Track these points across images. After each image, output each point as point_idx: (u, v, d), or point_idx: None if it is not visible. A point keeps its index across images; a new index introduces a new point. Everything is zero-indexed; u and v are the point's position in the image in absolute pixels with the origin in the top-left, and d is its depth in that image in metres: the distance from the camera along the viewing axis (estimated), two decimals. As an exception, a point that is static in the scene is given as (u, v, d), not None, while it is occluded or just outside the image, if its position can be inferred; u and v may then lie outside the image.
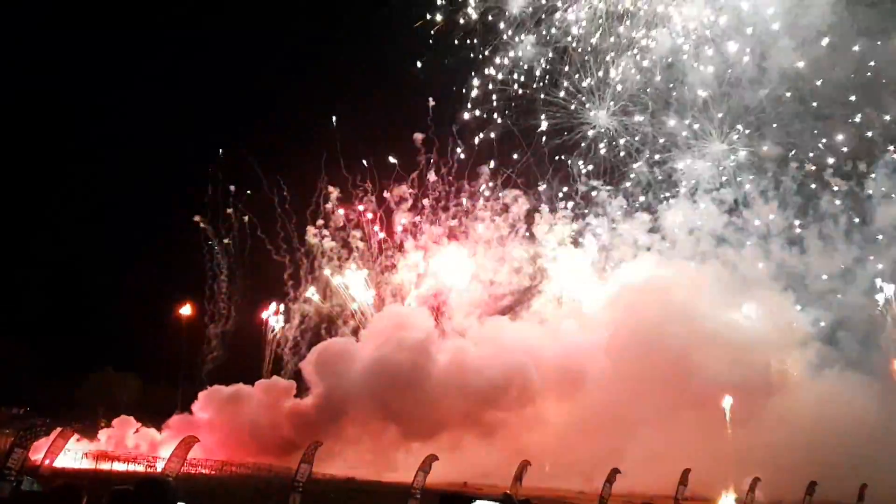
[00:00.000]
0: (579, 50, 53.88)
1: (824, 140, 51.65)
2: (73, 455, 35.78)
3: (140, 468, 36.58)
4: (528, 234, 55.88)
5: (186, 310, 55.40)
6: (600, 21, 53.24)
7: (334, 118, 54.76)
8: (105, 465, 36.07)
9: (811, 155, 52.38)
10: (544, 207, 55.81)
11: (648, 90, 54.09)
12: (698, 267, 50.86)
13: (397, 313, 51.65)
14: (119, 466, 36.80)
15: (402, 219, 56.49)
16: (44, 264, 56.78)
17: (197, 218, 56.77)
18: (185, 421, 45.64)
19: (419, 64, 54.25)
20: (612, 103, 54.43)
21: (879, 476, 39.10)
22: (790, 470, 40.22)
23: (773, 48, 51.34)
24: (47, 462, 30.20)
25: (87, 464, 36.29)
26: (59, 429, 31.71)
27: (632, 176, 55.29)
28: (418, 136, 55.64)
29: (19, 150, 55.15)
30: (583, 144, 55.49)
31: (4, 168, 54.20)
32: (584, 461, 42.02)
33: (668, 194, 54.78)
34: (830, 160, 51.81)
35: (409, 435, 43.59)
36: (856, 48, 49.12)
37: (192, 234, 56.97)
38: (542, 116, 55.09)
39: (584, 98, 54.81)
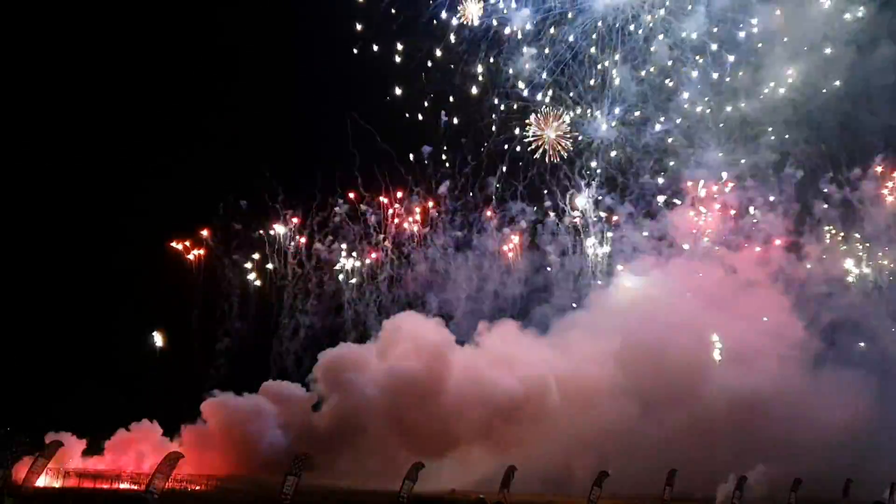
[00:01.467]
0: (579, 61, 54.88)
1: (821, 147, 53.20)
2: (55, 474, 35.28)
3: (124, 486, 36.14)
4: (534, 244, 57.01)
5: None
6: (601, 32, 54.23)
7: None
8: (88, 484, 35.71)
9: (804, 162, 53.86)
10: (549, 216, 56.92)
11: (647, 100, 55.18)
12: (701, 272, 51.84)
13: (410, 321, 50.26)
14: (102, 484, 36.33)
15: (411, 230, 57.29)
16: (24, 282, 55.71)
17: (206, 233, 56.61)
18: (197, 432, 44.38)
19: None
20: (611, 113, 55.47)
21: (864, 472, 39.66)
22: (777, 467, 40.72)
23: (768, 58, 52.81)
24: (29, 481, 29.92)
25: (70, 482, 35.83)
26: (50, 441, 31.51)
27: (633, 184, 56.40)
28: (426, 149, 56.20)
29: (10, 162, 54.00)
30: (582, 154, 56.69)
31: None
32: (579, 466, 42.17)
33: (671, 201, 55.97)
34: (825, 167, 53.59)
35: (420, 449, 41.18)
36: (848, 57, 51.00)
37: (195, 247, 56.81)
38: (545, 127, 55.99)
39: (584, 108, 55.79)
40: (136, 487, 34.50)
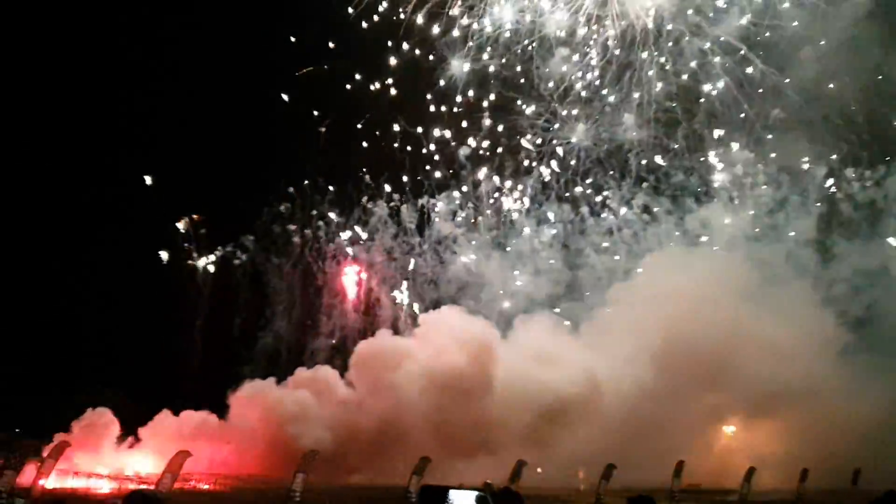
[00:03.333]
0: (609, 63, 54.75)
1: (844, 147, 53.21)
2: (65, 475, 35.32)
3: (132, 487, 36.14)
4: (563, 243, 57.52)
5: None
6: (633, 33, 54.01)
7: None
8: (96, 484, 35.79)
9: (834, 158, 53.93)
10: (583, 217, 57.54)
11: (675, 101, 55.08)
12: (730, 267, 51.73)
13: (449, 315, 49.00)
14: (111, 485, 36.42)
15: (440, 229, 58.02)
16: (30, 285, 55.80)
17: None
18: (225, 429, 43.70)
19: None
20: (643, 113, 55.64)
21: (874, 459, 39.49)
22: (787, 458, 40.64)
23: (794, 58, 52.45)
24: (39, 482, 29.98)
25: (78, 483, 35.90)
26: (55, 445, 31.59)
27: (665, 182, 56.78)
28: (463, 151, 56.89)
29: (15, 162, 54.21)
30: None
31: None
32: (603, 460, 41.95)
33: (702, 198, 56.27)
34: (851, 166, 53.76)
35: (459, 450, 40.80)
36: (874, 59, 50.70)
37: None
38: (578, 128, 56.43)
39: (612, 109, 55.90)
40: (144, 487, 34.59)
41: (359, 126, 56.40)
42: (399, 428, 42.88)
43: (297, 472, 27.54)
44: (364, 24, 53.67)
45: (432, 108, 55.88)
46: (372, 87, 55.57)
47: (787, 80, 52.63)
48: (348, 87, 55.43)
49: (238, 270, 57.85)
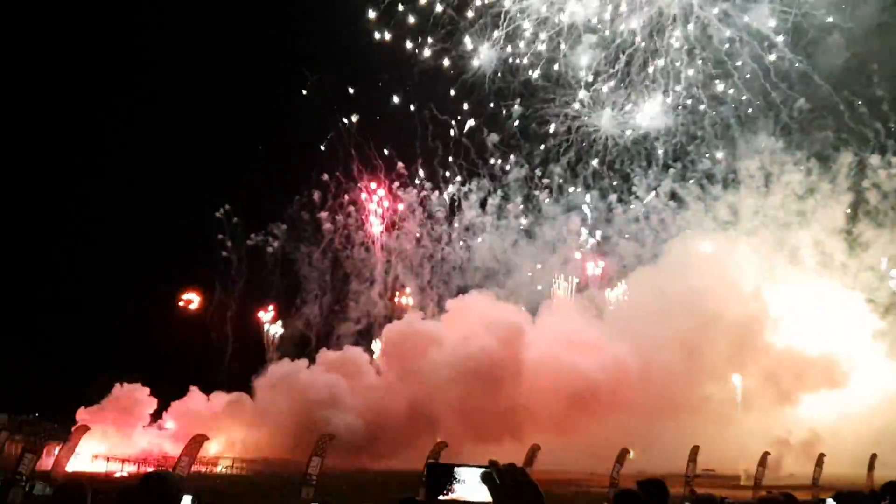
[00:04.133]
0: (636, 50, 55.08)
1: (871, 135, 53.13)
2: (84, 458, 35.79)
3: (151, 469, 36.53)
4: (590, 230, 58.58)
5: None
6: (658, 22, 54.24)
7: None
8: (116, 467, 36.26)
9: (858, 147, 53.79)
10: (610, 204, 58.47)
11: (705, 88, 55.47)
12: (757, 251, 51.63)
13: (477, 300, 49.21)
14: (130, 468, 36.87)
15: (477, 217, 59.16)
16: (49, 270, 56.58)
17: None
18: (257, 411, 44.25)
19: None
20: (669, 100, 55.67)
21: (891, 445, 39.20)
22: (804, 442, 40.47)
23: (822, 46, 52.39)
24: (59, 466, 30.39)
25: (99, 466, 36.38)
26: (75, 430, 32.05)
27: (691, 169, 57.43)
28: (494, 137, 57.82)
29: (26, 154, 55.05)
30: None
31: (16, 171, 54.14)
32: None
33: (729, 184, 56.41)
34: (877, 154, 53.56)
35: (487, 436, 40.49)
36: None
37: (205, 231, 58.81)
38: (605, 115, 56.95)
39: (639, 96, 56.26)
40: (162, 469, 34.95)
41: (388, 115, 57.29)
42: (426, 412, 43.24)
43: (313, 456, 27.70)
44: (395, 13, 54.92)
45: (461, 97, 56.98)
46: (401, 77, 56.84)
47: (816, 65, 52.38)
48: (379, 78, 57.00)
49: (270, 259, 58.75)
